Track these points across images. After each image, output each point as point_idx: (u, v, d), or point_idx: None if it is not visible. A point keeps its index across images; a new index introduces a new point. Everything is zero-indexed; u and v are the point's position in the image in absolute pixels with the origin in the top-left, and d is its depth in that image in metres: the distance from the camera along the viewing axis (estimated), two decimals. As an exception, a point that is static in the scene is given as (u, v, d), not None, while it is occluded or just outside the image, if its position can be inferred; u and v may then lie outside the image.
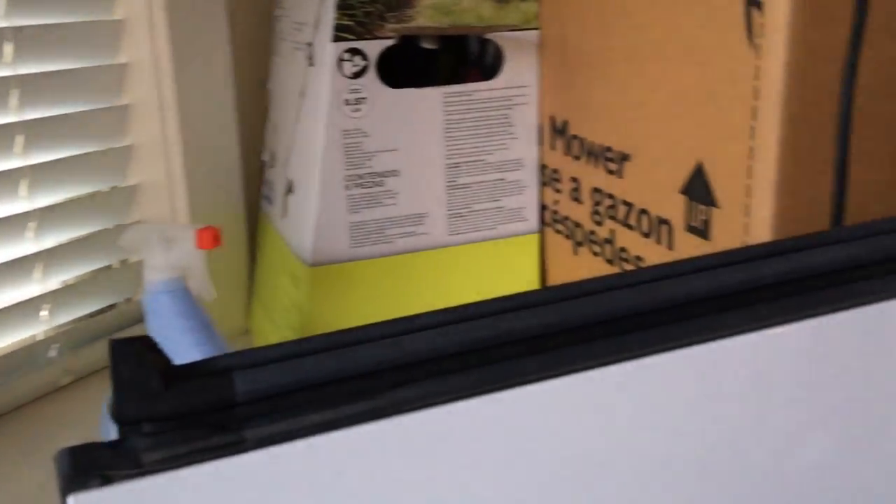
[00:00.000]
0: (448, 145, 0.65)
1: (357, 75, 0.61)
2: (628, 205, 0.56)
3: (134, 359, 0.28)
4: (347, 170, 0.63)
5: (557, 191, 0.66)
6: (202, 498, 0.27)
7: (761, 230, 0.44)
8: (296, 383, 0.29)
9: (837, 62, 0.41)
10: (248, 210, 0.80)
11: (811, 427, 0.34)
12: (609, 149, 0.57)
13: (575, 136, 0.62)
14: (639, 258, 0.56)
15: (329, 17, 0.60)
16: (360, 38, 0.60)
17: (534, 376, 0.30)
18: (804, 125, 0.42)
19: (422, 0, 0.61)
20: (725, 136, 0.45)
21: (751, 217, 0.45)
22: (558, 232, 0.68)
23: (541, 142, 0.67)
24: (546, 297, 0.32)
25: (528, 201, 0.69)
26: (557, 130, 0.65)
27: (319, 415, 0.28)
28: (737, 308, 0.33)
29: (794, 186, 0.43)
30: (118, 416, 0.27)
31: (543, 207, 0.69)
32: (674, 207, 0.51)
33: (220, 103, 0.75)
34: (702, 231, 0.48)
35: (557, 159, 0.65)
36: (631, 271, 0.32)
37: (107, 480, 0.26)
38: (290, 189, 0.69)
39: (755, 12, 0.42)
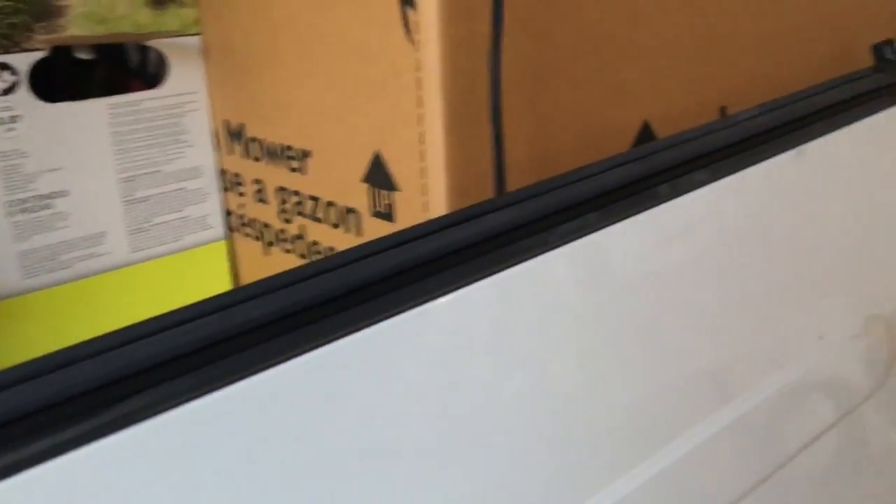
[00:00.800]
0: (119, 158, 0.63)
1: (7, 92, 0.56)
2: (315, 199, 0.58)
3: None
4: (8, 195, 0.58)
5: (241, 194, 0.67)
6: (-86, 559, 0.25)
7: (438, 207, 0.49)
8: (8, 414, 0.27)
9: (484, 54, 0.46)
10: None
11: (512, 368, 0.39)
12: (289, 147, 0.59)
13: (253, 139, 0.63)
14: (331, 249, 0.59)
15: (-37, 29, 0.55)
16: (6, 51, 0.56)
17: (271, 361, 0.31)
18: (463, 110, 0.47)
19: (73, 8, 0.58)
20: (397, 124, 0.49)
21: (428, 196, 0.49)
22: (247, 235, 0.68)
23: (218, 147, 0.67)
24: (277, 282, 0.33)
25: (211, 208, 0.68)
26: (233, 134, 0.65)
27: (40, 443, 0.27)
28: (434, 273, 0.37)
29: (461, 165, 0.48)
30: None
31: (228, 213, 0.69)
32: (358, 196, 0.54)
33: None
34: (387, 215, 0.52)
35: (237, 163, 0.66)
36: (358, 246, 0.35)
37: None
38: (-64, 224, 0.61)
39: (410, 11, 0.47)
